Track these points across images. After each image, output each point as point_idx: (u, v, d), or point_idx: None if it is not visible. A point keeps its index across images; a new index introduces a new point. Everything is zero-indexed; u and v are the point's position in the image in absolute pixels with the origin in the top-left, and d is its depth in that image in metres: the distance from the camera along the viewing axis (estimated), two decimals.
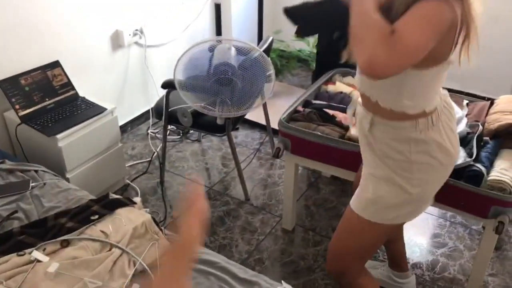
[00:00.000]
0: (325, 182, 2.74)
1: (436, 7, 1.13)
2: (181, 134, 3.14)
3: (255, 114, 2.89)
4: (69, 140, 2.23)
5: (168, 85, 2.37)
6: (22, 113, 2.25)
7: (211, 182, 2.74)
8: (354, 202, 1.51)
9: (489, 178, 1.73)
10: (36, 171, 2.02)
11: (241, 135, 3.15)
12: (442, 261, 2.22)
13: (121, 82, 3.00)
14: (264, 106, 2.75)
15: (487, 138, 1.94)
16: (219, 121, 2.35)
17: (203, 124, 2.43)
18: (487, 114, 2.08)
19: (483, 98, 2.23)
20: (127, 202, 1.77)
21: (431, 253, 2.27)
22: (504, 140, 1.93)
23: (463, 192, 1.75)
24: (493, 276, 2.14)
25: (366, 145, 1.47)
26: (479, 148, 1.85)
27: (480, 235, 2.35)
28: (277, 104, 3.30)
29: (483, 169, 1.75)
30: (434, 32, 1.14)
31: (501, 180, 1.71)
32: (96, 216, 1.66)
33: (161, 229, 1.69)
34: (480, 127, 1.92)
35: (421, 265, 2.20)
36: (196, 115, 2.39)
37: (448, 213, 2.48)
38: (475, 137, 1.84)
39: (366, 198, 1.46)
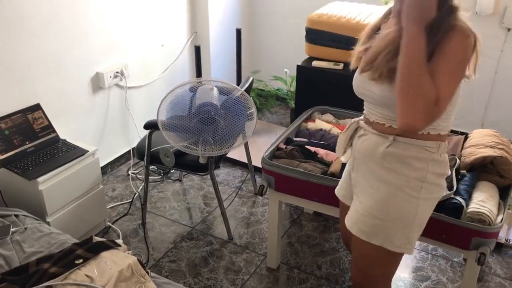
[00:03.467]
0: (307, 219, 2.76)
1: (467, 45, 1.30)
2: (162, 174, 3.13)
3: (235, 152, 2.92)
4: (50, 183, 2.20)
5: (151, 126, 2.39)
6: (1, 157, 2.22)
7: (193, 222, 2.72)
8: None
9: (469, 210, 1.78)
10: (16, 215, 1.98)
11: (222, 173, 3.16)
12: None
13: (101, 124, 3.00)
14: (246, 144, 2.78)
15: (464, 171, 2.00)
16: (201, 160, 2.36)
17: (185, 163, 2.44)
18: (462, 148, 2.16)
19: (457, 133, 2.31)
20: (112, 244, 1.75)
21: (415, 286, 2.28)
22: (480, 173, 2.00)
23: (444, 225, 1.79)
24: None
25: (369, 171, 1.51)
26: (457, 181, 1.91)
27: (461, 267, 2.38)
28: (257, 142, 3.34)
29: (462, 201, 1.80)
30: (464, 72, 1.33)
31: (481, 212, 1.76)
32: (81, 260, 1.63)
33: (147, 272, 1.67)
34: (458, 160, 1.99)
35: None
36: (178, 154, 2.40)
37: (429, 246, 2.51)
38: (453, 170, 1.90)
39: (363, 223, 1.53)
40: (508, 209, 1.96)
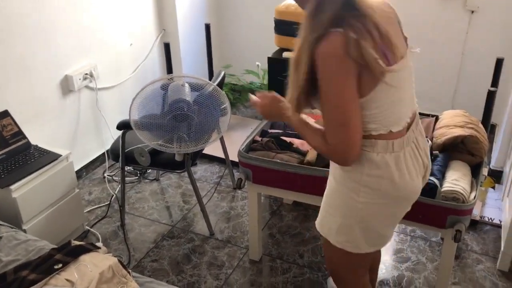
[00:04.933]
0: (287, 209, 2.77)
1: (330, 61, 1.18)
2: (138, 175, 3.10)
3: (212, 148, 2.91)
4: (23, 190, 2.16)
5: (124, 126, 2.36)
6: None
7: (173, 220, 2.71)
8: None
9: (443, 189, 1.82)
10: None
11: (200, 170, 3.15)
12: (407, 275, 2.28)
13: (73, 127, 2.95)
14: (221, 139, 2.78)
15: (436, 152, 2.04)
16: (177, 158, 2.35)
17: (161, 162, 2.42)
18: (433, 130, 2.20)
19: (428, 115, 2.36)
20: (91, 247, 1.73)
21: (396, 268, 2.32)
22: (452, 152, 2.04)
23: (420, 205, 1.82)
24: (456, 285, 2.22)
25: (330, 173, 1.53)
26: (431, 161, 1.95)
27: (439, 246, 2.44)
28: (233, 136, 3.34)
29: (436, 181, 1.84)
30: (349, 87, 1.21)
31: (454, 190, 1.80)
32: (60, 265, 1.61)
33: (129, 272, 1.65)
34: (429, 142, 2.02)
35: (388, 282, 2.24)
36: (154, 153, 2.38)
37: (408, 228, 2.56)
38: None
39: (321, 215, 1.56)
40: (480, 186, 2.00)
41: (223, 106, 2.28)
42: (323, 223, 1.55)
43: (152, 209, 2.81)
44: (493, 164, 2.97)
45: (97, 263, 1.64)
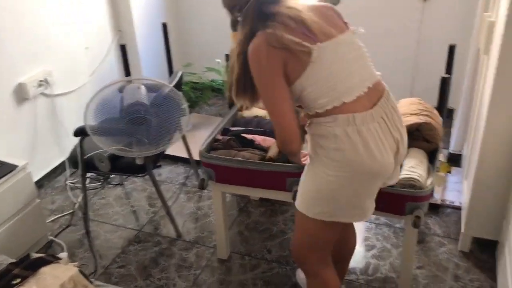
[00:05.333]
0: (254, 206, 2.78)
1: (256, 57, 1.41)
2: (102, 180, 3.05)
3: (176, 149, 2.88)
4: None
5: (80, 132, 2.31)
6: None
7: (140, 224, 2.68)
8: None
9: (400, 177, 1.85)
10: None
11: (164, 171, 3.12)
12: (373, 262, 2.32)
13: (31, 136, 2.88)
14: (184, 139, 2.76)
15: None
16: (138, 161, 2.32)
17: (122, 166, 2.38)
18: None
19: None
20: (51, 259, 1.69)
21: (362, 256, 2.36)
22: (408, 140, 2.08)
23: (379, 194, 1.85)
24: (421, 269, 2.27)
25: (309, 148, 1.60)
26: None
27: (403, 232, 2.48)
28: (197, 136, 3.31)
29: None
30: (277, 77, 1.41)
31: (411, 178, 1.84)
32: (18, 280, 1.57)
33: (90, 281, 1.62)
34: None
35: (355, 270, 2.28)
36: (114, 158, 2.34)
37: (372, 216, 2.60)
38: None
39: (298, 193, 1.61)
40: (437, 171, 2.05)
41: (182, 107, 2.26)
42: (301, 199, 1.61)
43: (117, 214, 2.77)
44: (452, 148, 3.05)
45: (58, 274, 1.61)
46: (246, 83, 1.48)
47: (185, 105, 2.25)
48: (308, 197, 1.58)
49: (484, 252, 2.34)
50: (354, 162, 1.45)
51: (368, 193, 1.57)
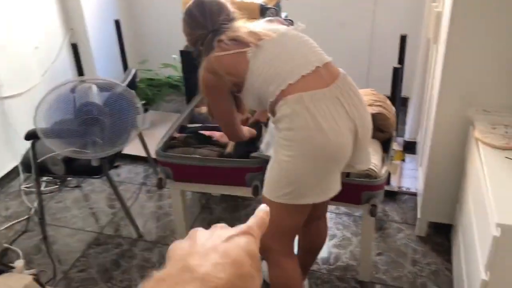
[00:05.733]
0: (216, 202, 2.77)
1: (203, 78, 1.68)
2: (58, 183, 2.96)
3: (135, 148, 2.83)
4: None
5: (32, 136, 2.24)
6: None
7: (100, 226, 2.63)
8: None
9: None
10: None
11: (123, 171, 3.07)
12: (334, 252, 2.36)
13: None
14: (141, 138, 2.71)
15: None
16: (94, 163, 2.26)
17: (77, 169, 2.33)
18: None
19: None
20: (3, 268, 1.63)
21: (324, 246, 2.39)
22: None
23: None
24: (380, 255, 2.33)
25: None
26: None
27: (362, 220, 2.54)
28: (156, 134, 3.26)
29: None
30: (219, 95, 1.71)
31: (367, 168, 1.87)
32: None
33: None
34: None
35: (317, 260, 2.31)
36: (69, 161, 2.28)
37: (332, 206, 2.64)
38: None
39: (265, 178, 1.65)
40: (391, 160, 2.10)
41: (136, 105, 2.22)
42: (265, 184, 1.65)
43: (75, 217, 2.70)
44: (407, 136, 3.12)
45: (11, 284, 1.56)
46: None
47: (139, 103, 2.22)
48: (270, 181, 1.63)
49: (440, 236, 2.42)
50: (305, 140, 1.51)
51: (327, 174, 1.58)
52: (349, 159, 1.59)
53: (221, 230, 0.53)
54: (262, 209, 0.58)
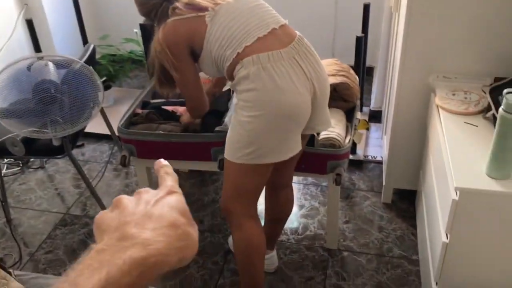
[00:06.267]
0: (184, 178, 2.75)
1: (158, 42, 1.64)
2: (21, 165, 2.89)
3: (98, 126, 2.77)
4: None
5: None
6: None
7: (65, 207, 2.58)
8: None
9: (320, 137, 1.90)
10: None
11: (88, 150, 3.01)
12: (302, 222, 2.39)
13: None
14: (104, 115, 2.65)
15: None
16: (55, 142, 2.20)
17: (38, 149, 2.26)
18: None
19: None
20: None
21: (292, 216, 2.42)
22: None
23: (301, 155, 1.89)
24: (347, 223, 2.37)
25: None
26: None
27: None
28: (120, 111, 3.16)
29: None
30: (182, 62, 1.64)
31: (331, 137, 1.89)
32: None
33: (9, 272, 1.54)
34: None
35: (286, 231, 2.34)
36: (29, 141, 2.21)
37: (300, 177, 2.67)
38: None
39: (226, 141, 1.65)
40: (355, 128, 2.12)
41: (95, 82, 2.16)
42: (226, 147, 1.64)
43: (40, 199, 2.65)
44: (372, 105, 3.15)
45: None
46: (165, 76, 1.72)
47: (98, 80, 2.15)
48: (231, 142, 1.63)
49: (405, 202, 2.47)
50: (264, 100, 1.51)
51: (287, 134, 1.58)
52: (308, 120, 1.60)
53: (146, 194, 0.54)
54: (164, 165, 0.59)
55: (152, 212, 0.49)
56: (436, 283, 1.69)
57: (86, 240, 2.35)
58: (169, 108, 2.20)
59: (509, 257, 1.60)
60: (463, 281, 1.66)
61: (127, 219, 0.49)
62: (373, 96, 3.19)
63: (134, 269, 0.44)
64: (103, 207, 2.49)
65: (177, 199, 0.53)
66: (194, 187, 2.67)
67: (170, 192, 0.54)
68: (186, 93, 1.81)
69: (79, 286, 0.42)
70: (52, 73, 2.04)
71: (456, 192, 1.49)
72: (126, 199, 0.53)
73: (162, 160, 0.60)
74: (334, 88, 2.08)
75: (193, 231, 0.51)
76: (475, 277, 1.65)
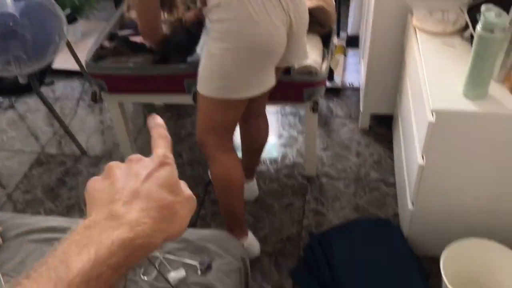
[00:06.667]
0: (159, 111, 2.70)
1: None
2: None
3: (68, 62, 2.65)
4: None
5: None
6: None
7: (40, 146, 2.53)
8: None
9: (296, 65, 1.85)
10: None
11: (59, 88, 2.91)
12: (281, 151, 2.40)
13: None
14: (72, 50, 2.53)
15: None
16: (22, 80, 2.11)
17: (4, 88, 2.18)
18: None
19: None
20: None
21: (271, 147, 2.42)
22: None
23: (278, 84, 1.85)
24: (325, 150, 2.38)
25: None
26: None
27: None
28: (89, 45, 3.03)
29: None
30: None
31: (307, 65, 1.84)
32: None
33: None
34: None
35: (265, 161, 2.34)
36: None
37: (278, 107, 2.64)
38: None
39: (198, 73, 1.59)
40: (332, 54, 2.07)
41: (58, 15, 2.03)
42: (199, 79, 1.59)
43: (12, 139, 2.58)
44: (349, 31, 3.08)
45: None
46: None
47: (61, 12, 2.03)
48: (203, 75, 1.57)
49: (382, 127, 2.48)
50: (236, 32, 1.44)
51: (259, 68, 1.53)
52: (284, 53, 1.54)
53: (137, 165, 0.52)
54: (158, 124, 0.56)
55: (141, 190, 0.49)
56: (413, 203, 1.73)
57: (63, 178, 2.33)
58: (138, 39, 2.11)
59: (483, 178, 1.63)
60: (438, 201, 1.71)
61: (116, 196, 0.48)
62: (350, 21, 3.10)
63: (122, 250, 0.44)
64: (78, 145, 2.45)
65: (167, 174, 0.51)
66: (170, 121, 2.63)
67: (162, 164, 0.52)
68: (138, 14, 1.67)
69: (68, 263, 0.42)
70: (9, 6, 1.91)
71: (432, 114, 1.48)
72: (117, 168, 0.52)
73: (156, 117, 0.58)
74: (310, 12, 1.98)
75: (181, 207, 0.50)
76: (450, 198, 1.70)
